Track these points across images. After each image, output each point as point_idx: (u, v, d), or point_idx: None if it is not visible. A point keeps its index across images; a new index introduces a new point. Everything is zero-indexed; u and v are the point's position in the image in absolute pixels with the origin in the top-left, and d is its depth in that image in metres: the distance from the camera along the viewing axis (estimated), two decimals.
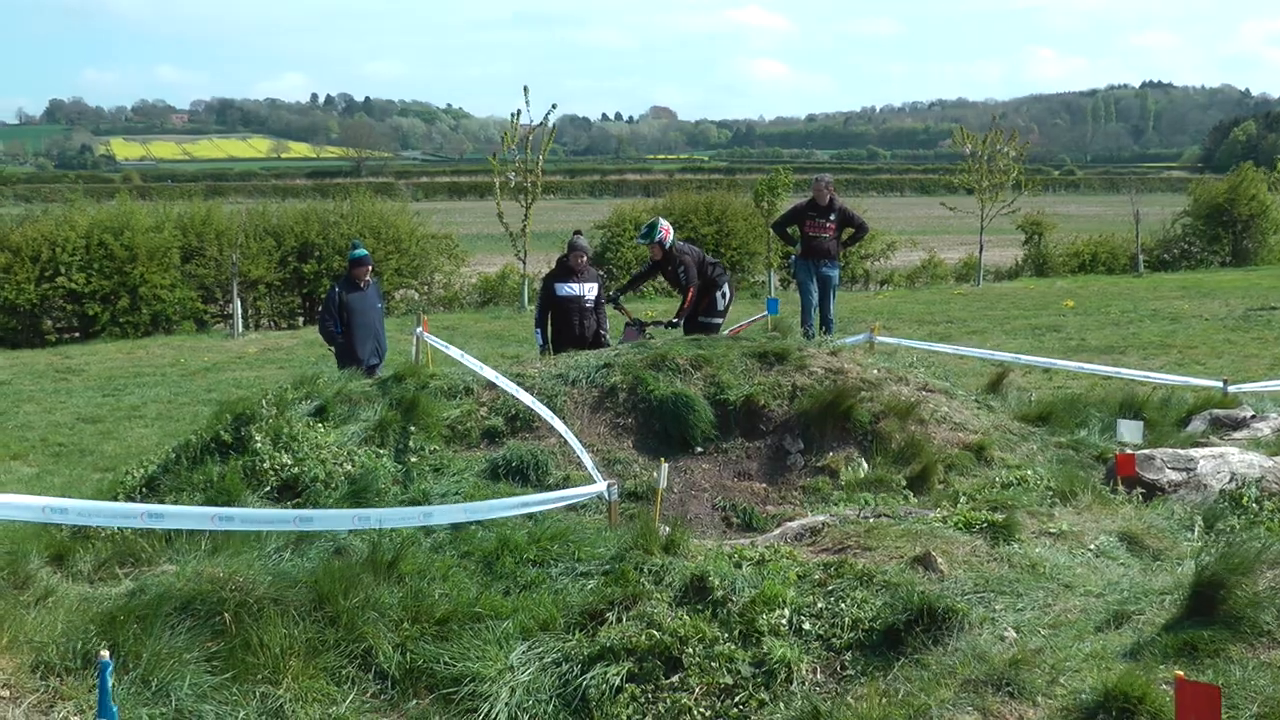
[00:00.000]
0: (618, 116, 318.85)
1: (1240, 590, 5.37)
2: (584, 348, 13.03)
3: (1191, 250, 41.55)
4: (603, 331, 13.73)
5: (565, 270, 13.82)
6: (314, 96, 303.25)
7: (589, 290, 13.54)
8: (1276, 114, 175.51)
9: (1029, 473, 8.92)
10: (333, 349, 14.68)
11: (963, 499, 8.31)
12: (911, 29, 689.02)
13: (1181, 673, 3.99)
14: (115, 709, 4.22)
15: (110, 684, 4.49)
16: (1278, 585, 5.57)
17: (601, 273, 17.05)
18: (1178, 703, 3.80)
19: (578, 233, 15.24)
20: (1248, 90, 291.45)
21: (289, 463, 9.38)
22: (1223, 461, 9.50)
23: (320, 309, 15.03)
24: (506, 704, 5.94)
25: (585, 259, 14.09)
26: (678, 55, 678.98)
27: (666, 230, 13.73)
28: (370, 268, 14.63)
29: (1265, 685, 4.68)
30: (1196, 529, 8.04)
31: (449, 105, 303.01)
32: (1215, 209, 42.12)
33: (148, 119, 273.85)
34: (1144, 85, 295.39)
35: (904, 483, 9.41)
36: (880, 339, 13.87)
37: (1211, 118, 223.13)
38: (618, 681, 6.04)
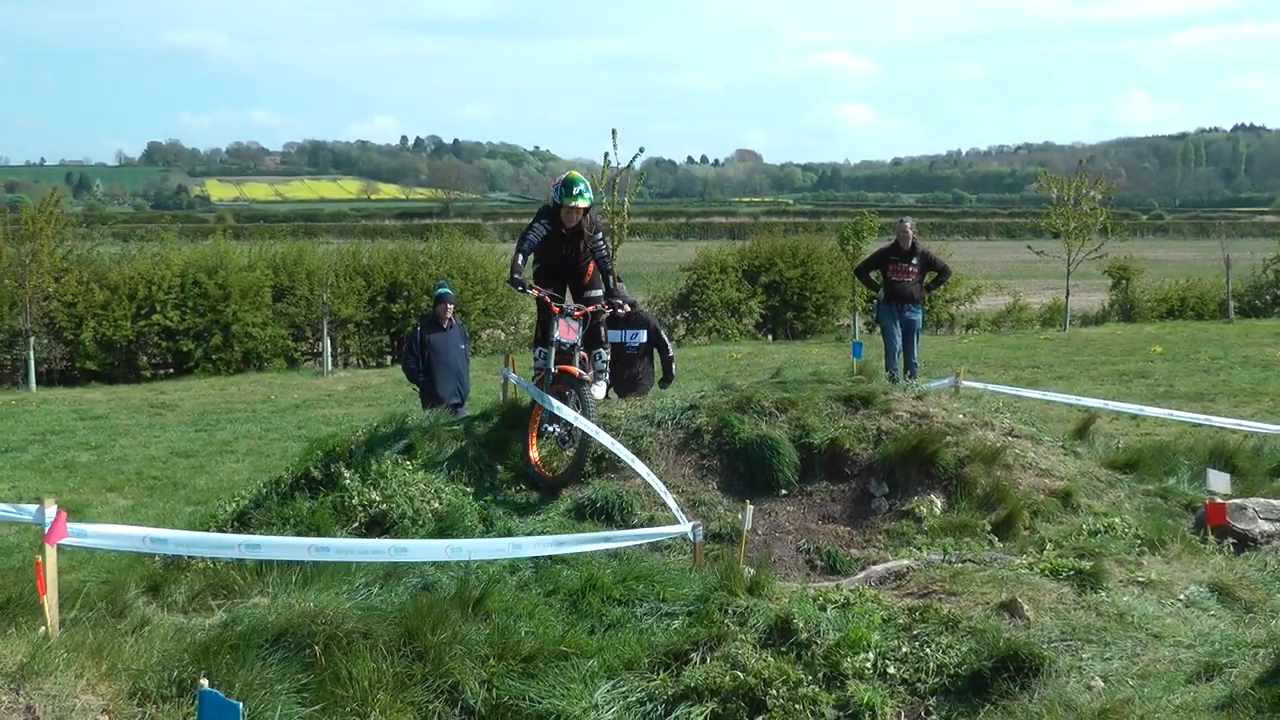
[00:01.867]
0: (703, 159, 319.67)
1: None
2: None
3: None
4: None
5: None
6: (403, 139, 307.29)
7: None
8: None
9: (1116, 520, 8.83)
10: (416, 388, 14.86)
11: (1049, 545, 8.26)
12: (1000, 72, 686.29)
13: None
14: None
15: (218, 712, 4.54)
16: None
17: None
18: None
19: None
20: None
21: (377, 499, 9.51)
22: None
23: (404, 347, 15.23)
24: None
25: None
26: (765, 99, 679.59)
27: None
28: (453, 306, 14.85)
29: None
30: None
31: (536, 147, 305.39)
32: None
33: (241, 161, 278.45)
34: (1235, 128, 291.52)
35: (989, 528, 9.34)
36: (965, 383, 13.79)
37: None
38: None
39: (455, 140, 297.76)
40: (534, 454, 10.32)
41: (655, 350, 13.06)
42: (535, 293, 10.57)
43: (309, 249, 33.32)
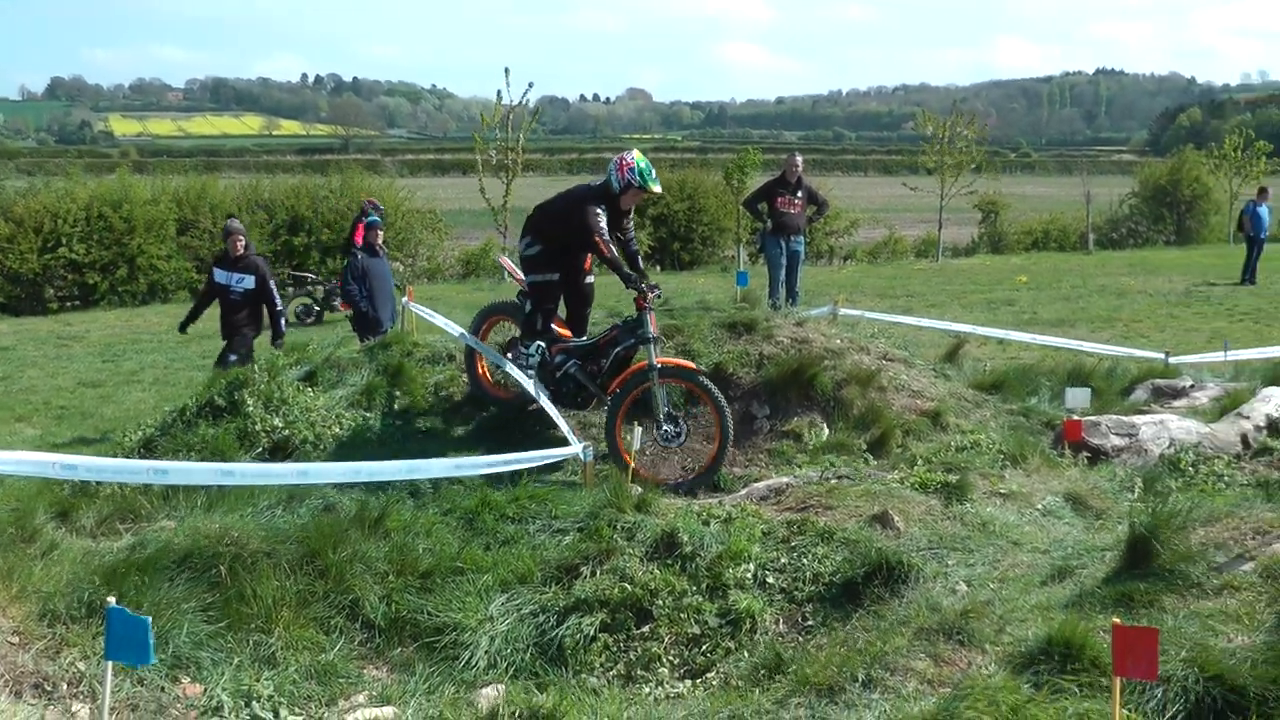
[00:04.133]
0: (595, 98, 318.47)
1: (1174, 546, 5.46)
2: (230, 338, 13.57)
3: (1138, 229, 41.81)
4: (247, 330, 13.58)
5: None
6: (304, 76, 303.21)
7: (237, 281, 13.66)
8: (1220, 101, 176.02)
9: (982, 437, 9.01)
10: (349, 315, 14.73)
11: (919, 462, 8.41)
12: (885, 15, 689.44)
13: (1118, 620, 4.06)
14: (152, 645, 4.21)
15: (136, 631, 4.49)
16: (1208, 541, 5.66)
17: (265, 257, 15.75)
18: (1114, 647, 3.88)
19: (231, 217, 15.24)
20: (1194, 78, 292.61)
21: (280, 425, 9.46)
22: (1163, 428, 9.61)
23: (344, 274, 15.06)
24: (486, 652, 6.00)
25: (242, 243, 13.87)
26: (659, 39, 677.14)
27: None
28: (382, 233, 14.75)
29: (1194, 632, 4.77)
30: (1137, 490, 8.17)
31: (434, 86, 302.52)
32: (1160, 191, 42.47)
33: (145, 96, 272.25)
34: (1098, 72, 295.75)
35: (864, 446, 9.48)
36: (844, 311, 13.90)
37: (1159, 104, 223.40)
38: (591, 631, 6.10)
39: (355, 78, 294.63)
40: (626, 450, 9.33)
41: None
42: (644, 292, 9.51)
43: (212, 183, 32.65)
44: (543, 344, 9.83)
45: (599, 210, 9.51)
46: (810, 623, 6.10)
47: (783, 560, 6.55)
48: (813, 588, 6.29)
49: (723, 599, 6.30)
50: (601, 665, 5.99)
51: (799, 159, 18.60)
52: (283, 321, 13.64)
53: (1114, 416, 9.97)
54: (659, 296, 9.86)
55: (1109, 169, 75.84)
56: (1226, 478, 8.67)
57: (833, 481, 7.94)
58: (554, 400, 9.73)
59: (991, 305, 23.45)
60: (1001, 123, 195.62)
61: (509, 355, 10.13)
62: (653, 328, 9.48)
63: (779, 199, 17.97)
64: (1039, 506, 7.49)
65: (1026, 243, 39.54)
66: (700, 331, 11.01)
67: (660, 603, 6.25)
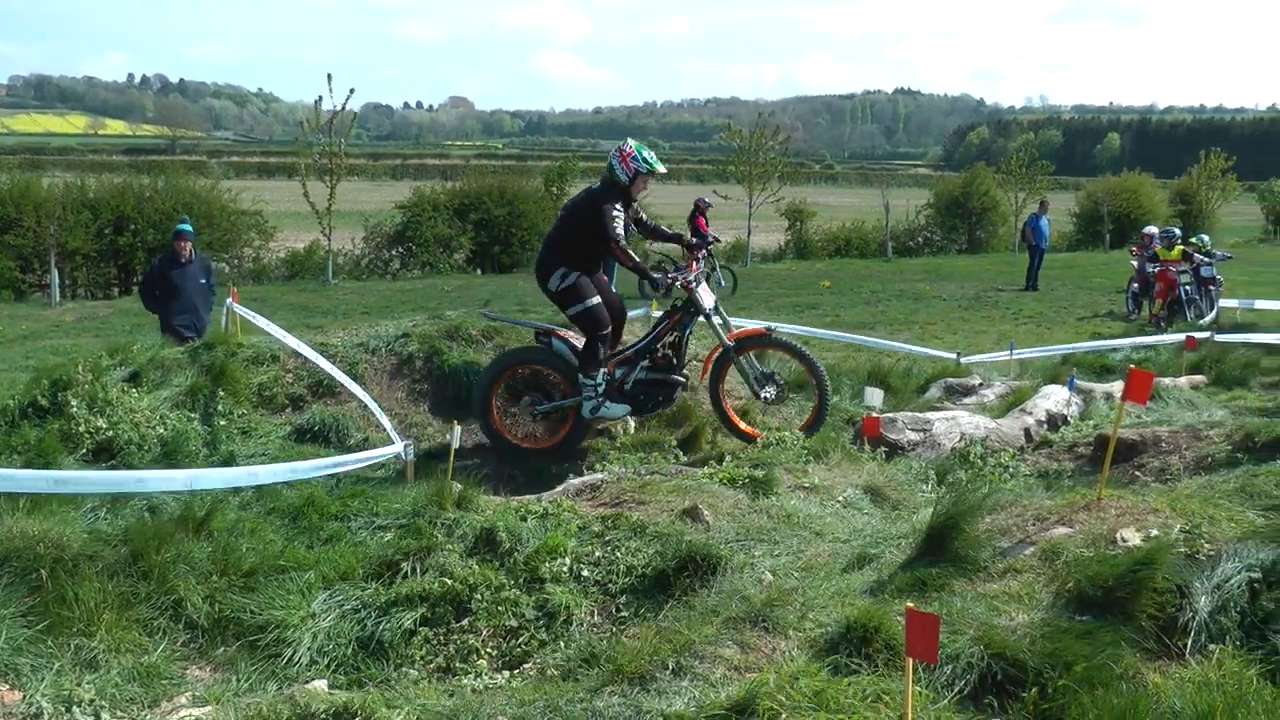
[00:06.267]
0: (419, 105, 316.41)
1: (964, 533, 5.60)
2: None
3: (933, 238, 43.12)
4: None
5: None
6: (130, 76, 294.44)
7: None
8: (1006, 121, 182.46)
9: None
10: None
11: (727, 458, 8.47)
12: (700, 31, 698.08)
13: (911, 604, 4.15)
14: None
15: None
16: (994, 528, 5.84)
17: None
18: (907, 630, 3.96)
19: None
20: (983, 100, 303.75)
21: (104, 426, 9.09)
22: (954, 423, 9.88)
23: (144, 278, 14.71)
24: (309, 648, 5.85)
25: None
26: (482, 49, 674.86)
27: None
28: (190, 243, 14.19)
29: (981, 612, 4.91)
30: (930, 482, 8.37)
31: (260, 89, 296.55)
32: (953, 202, 43.86)
33: None
34: (896, 91, 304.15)
35: (675, 444, 9.54)
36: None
37: (952, 122, 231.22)
38: (411, 626, 5.99)
39: (181, 80, 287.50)
40: (740, 421, 9.66)
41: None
42: (681, 282, 9.34)
43: (35, 182, 31.26)
44: (605, 371, 9.43)
45: (615, 212, 9.12)
46: (624, 614, 6.08)
47: (597, 554, 6.52)
48: (626, 580, 6.27)
49: (539, 592, 6.24)
50: (421, 658, 5.89)
51: None
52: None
53: (910, 413, 10.22)
54: (702, 267, 9.72)
55: (906, 181, 77.85)
56: (1011, 469, 8.94)
57: (646, 477, 7.96)
58: (637, 409, 9.51)
59: (797, 309, 23.89)
60: (807, 136, 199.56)
61: (528, 403, 9.81)
62: (707, 301, 9.32)
63: None
64: (840, 499, 7.60)
65: (830, 249, 40.39)
66: (518, 333, 10.98)
67: (479, 597, 6.17)
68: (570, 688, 4.94)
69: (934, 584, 5.33)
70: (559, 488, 8.39)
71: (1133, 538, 5.48)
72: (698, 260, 9.56)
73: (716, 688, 4.60)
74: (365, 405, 9.41)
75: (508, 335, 10.93)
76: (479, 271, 33.48)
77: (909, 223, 43.74)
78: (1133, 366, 7.39)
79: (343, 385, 9.64)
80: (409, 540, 6.76)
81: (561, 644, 5.88)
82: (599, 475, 8.41)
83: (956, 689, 4.47)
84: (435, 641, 6.00)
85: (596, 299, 9.31)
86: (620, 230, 9.07)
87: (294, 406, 10.03)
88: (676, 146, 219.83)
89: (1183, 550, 5.17)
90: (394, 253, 33.70)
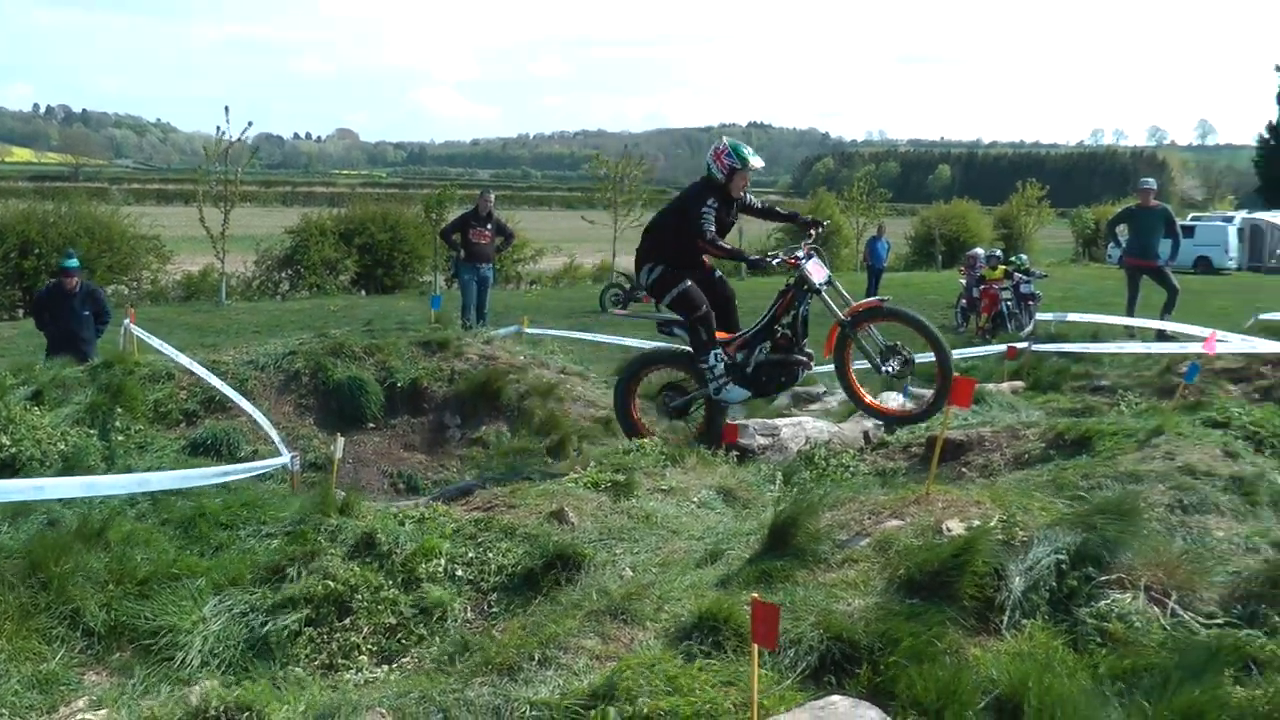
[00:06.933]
0: (308, 136, 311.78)
1: (806, 528, 5.70)
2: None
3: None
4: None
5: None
6: (36, 106, 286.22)
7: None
8: (849, 154, 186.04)
9: (646, 441, 9.18)
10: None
11: (592, 463, 8.50)
12: (572, 69, 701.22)
13: (756, 595, 4.23)
14: None
15: None
16: (834, 523, 5.95)
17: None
18: (752, 619, 4.03)
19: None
20: (828, 133, 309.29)
21: (7, 443, 8.89)
22: (800, 428, 10.02)
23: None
24: (200, 651, 5.74)
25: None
26: (368, 84, 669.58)
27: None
28: (76, 278, 13.58)
29: (821, 600, 5.01)
30: (778, 482, 8.47)
31: (159, 119, 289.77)
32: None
33: None
34: (750, 124, 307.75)
35: (544, 450, 9.58)
36: (528, 330, 14.00)
37: (800, 153, 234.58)
38: (297, 627, 5.92)
39: (84, 110, 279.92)
40: (869, 398, 9.01)
41: None
42: (781, 259, 8.65)
43: None
44: (719, 350, 8.74)
45: (707, 208, 8.51)
46: (495, 610, 6.09)
47: (470, 554, 6.51)
48: (497, 578, 6.27)
49: (417, 591, 6.21)
50: (306, 657, 5.82)
51: (491, 195, 18.95)
52: None
53: (760, 420, 10.34)
54: (812, 243, 8.85)
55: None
56: (851, 468, 9.08)
57: (516, 483, 7.96)
58: (759, 392, 8.92)
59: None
60: (669, 165, 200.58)
61: (664, 401, 9.35)
62: (817, 276, 8.51)
63: (472, 230, 18.23)
64: (695, 499, 7.68)
65: None
66: (399, 349, 10.95)
67: (360, 597, 6.12)
68: (444, 679, 4.94)
69: (778, 575, 5.41)
70: (435, 493, 8.36)
71: (956, 527, 5.63)
72: (808, 236, 8.92)
73: (579, 676, 4.63)
74: (255, 419, 9.28)
75: (388, 352, 10.87)
76: (363, 293, 33.08)
77: (763, 244, 44.24)
78: (956, 374, 7.61)
79: (234, 400, 9.49)
80: (294, 546, 6.68)
81: (437, 639, 5.87)
82: (473, 481, 8.40)
83: (799, 670, 4.55)
84: (319, 640, 5.93)
85: (687, 282, 8.72)
86: (710, 226, 8.48)
87: (188, 422, 9.89)
88: (548, 175, 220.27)
89: (1000, 537, 5.32)
90: (284, 275, 33.15)
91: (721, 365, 8.69)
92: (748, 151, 8.73)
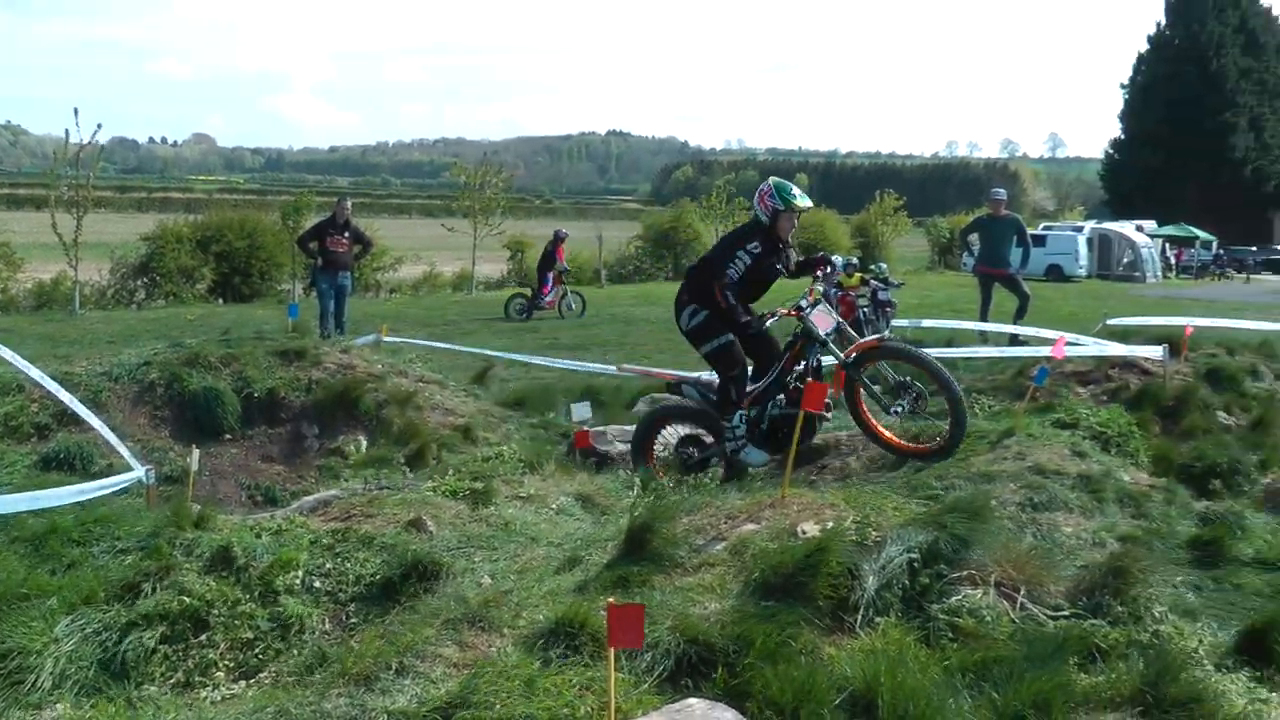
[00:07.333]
0: (164, 140, 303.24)
1: (662, 533, 5.75)
2: None
3: (643, 267, 43.87)
4: None
5: None
6: None
7: None
8: (708, 161, 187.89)
9: (505, 449, 9.18)
10: None
11: (451, 471, 8.47)
12: (431, 76, 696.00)
13: (613, 600, 4.26)
14: None
15: None
16: (691, 527, 6.02)
17: None
18: (608, 623, 4.06)
19: None
20: (687, 141, 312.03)
21: None
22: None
23: None
24: (51, 673, 5.55)
25: None
26: (225, 88, 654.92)
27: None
28: None
29: (678, 603, 5.05)
30: (636, 488, 8.53)
31: (8, 121, 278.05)
32: (661, 234, 44.79)
33: None
34: (609, 133, 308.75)
35: (403, 460, 9.50)
36: (387, 339, 13.87)
37: (660, 161, 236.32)
38: (152, 644, 5.76)
39: None
40: (887, 433, 8.22)
41: None
42: (782, 314, 8.01)
43: None
44: (744, 412, 8.14)
45: (743, 252, 7.97)
46: (354, 620, 6.03)
47: (328, 566, 6.43)
48: (356, 589, 6.21)
49: (274, 604, 6.11)
50: (161, 675, 5.67)
51: (348, 202, 18.76)
52: None
53: (618, 427, 10.42)
54: (820, 289, 8.23)
55: (619, 215, 79.30)
56: (710, 473, 9.20)
57: (374, 492, 7.88)
58: (773, 447, 8.17)
59: (518, 332, 23.93)
60: (528, 173, 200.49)
61: (682, 457, 8.74)
62: (823, 326, 7.92)
63: (329, 238, 17.97)
64: (554, 506, 7.70)
65: None
66: (256, 359, 10.75)
67: (216, 612, 5.99)
68: (301, 693, 4.87)
69: (635, 580, 5.45)
70: (293, 505, 8.24)
71: (811, 529, 5.73)
72: (817, 281, 8.35)
73: (437, 684, 4.61)
74: (103, 434, 9.02)
75: (245, 362, 10.67)
76: (220, 301, 32.28)
77: (621, 252, 44.46)
78: (810, 380, 7.75)
79: (81, 414, 9.22)
80: (149, 561, 6.51)
81: (295, 652, 5.79)
82: (331, 492, 8.30)
83: (656, 674, 4.58)
84: (175, 658, 5.80)
85: (729, 336, 8.11)
86: (733, 273, 7.91)
87: (40, 435, 9.57)
88: (408, 183, 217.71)
89: (854, 538, 5.42)
90: (139, 283, 32.12)
91: (744, 426, 8.15)
92: (794, 193, 8.15)
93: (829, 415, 8.14)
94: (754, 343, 8.18)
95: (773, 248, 8.11)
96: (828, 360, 8.07)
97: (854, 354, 7.95)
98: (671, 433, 9.00)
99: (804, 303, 8.01)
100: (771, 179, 8.24)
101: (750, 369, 8.21)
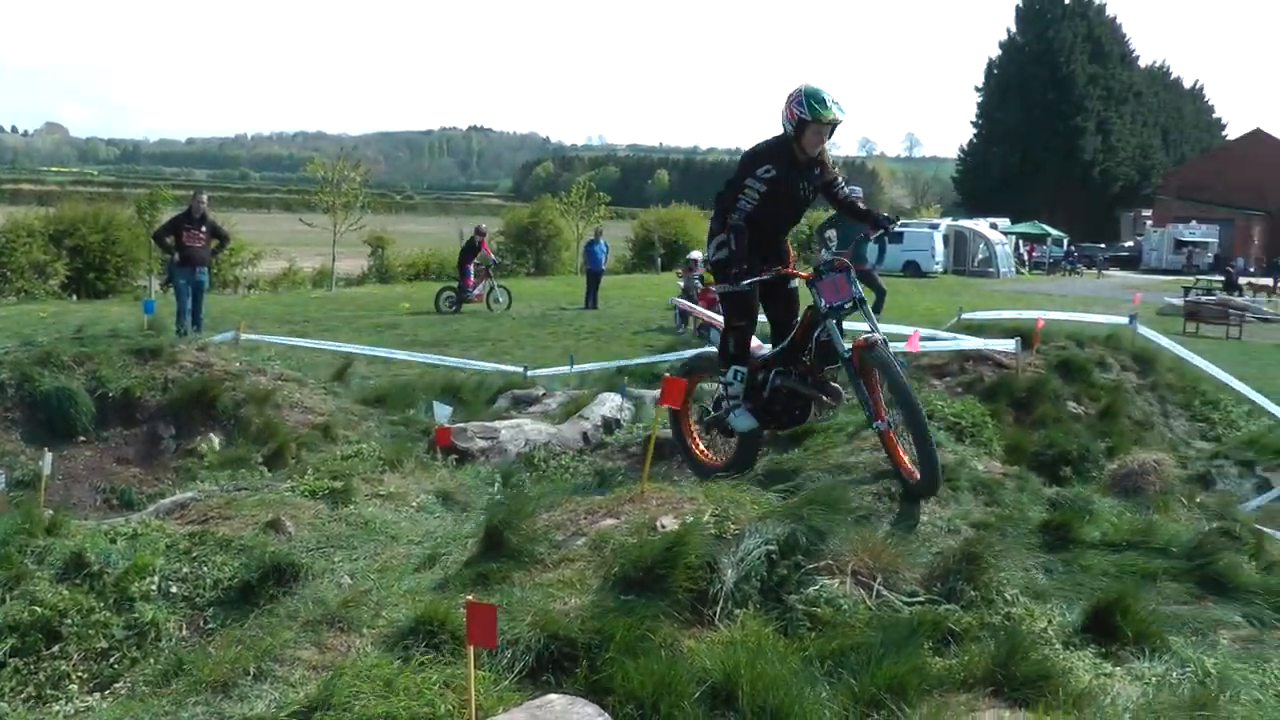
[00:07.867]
0: (14, 130, 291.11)
1: (522, 529, 5.75)
2: None
3: (504, 263, 43.66)
4: None
5: None
6: None
7: None
8: (569, 157, 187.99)
9: (365, 447, 9.06)
10: None
11: (310, 471, 8.33)
12: (294, 67, 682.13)
13: (472, 597, 4.26)
14: None
15: None
16: (551, 524, 6.02)
17: None
18: (468, 621, 4.06)
19: None
20: (549, 137, 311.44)
21: None
22: (519, 431, 10.10)
23: None
24: None
25: None
26: (80, 76, 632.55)
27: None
28: None
29: (538, 599, 5.04)
30: (497, 484, 8.53)
31: None
32: (523, 230, 44.85)
33: None
34: (470, 129, 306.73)
35: (261, 460, 9.32)
36: (245, 336, 13.56)
37: (521, 157, 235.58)
38: (1, 657, 5.57)
39: None
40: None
41: None
42: (778, 271, 6.99)
43: None
44: (742, 369, 7.20)
45: (751, 182, 6.77)
46: (211, 626, 5.89)
47: (185, 570, 6.27)
48: (213, 593, 6.07)
49: (129, 612, 5.93)
50: (11, 689, 5.45)
51: (204, 196, 18.44)
52: None
53: (479, 423, 10.36)
54: (828, 256, 6.96)
55: (480, 211, 78.80)
56: (571, 469, 9.22)
57: (232, 493, 7.71)
58: (769, 423, 7.34)
59: (379, 329, 23.65)
60: (389, 169, 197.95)
61: (698, 415, 7.92)
62: (828, 298, 6.68)
63: (185, 232, 17.63)
64: (414, 504, 7.64)
65: (410, 273, 40.27)
66: (110, 358, 10.44)
67: (69, 621, 5.79)
68: (157, 702, 4.75)
69: (495, 577, 5.43)
70: (149, 508, 8.03)
71: (670, 523, 5.76)
72: (848, 244, 7.22)
73: (295, 687, 4.55)
74: None
75: (99, 361, 10.36)
76: (74, 298, 31.22)
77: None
78: (668, 374, 7.81)
79: None
80: None
81: (151, 661, 5.63)
82: (188, 494, 8.09)
83: (517, 670, 4.57)
84: (26, 671, 5.58)
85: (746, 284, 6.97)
86: (745, 204, 6.79)
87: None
88: (267, 177, 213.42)
89: (712, 531, 5.48)
90: None
91: (739, 385, 7.24)
92: (824, 99, 6.70)
93: (833, 402, 7.21)
94: (731, 299, 7.26)
95: (793, 169, 6.90)
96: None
97: (859, 345, 6.76)
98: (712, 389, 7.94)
99: (822, 264, 6.92)
100: (804, 84, 6.83)
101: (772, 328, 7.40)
